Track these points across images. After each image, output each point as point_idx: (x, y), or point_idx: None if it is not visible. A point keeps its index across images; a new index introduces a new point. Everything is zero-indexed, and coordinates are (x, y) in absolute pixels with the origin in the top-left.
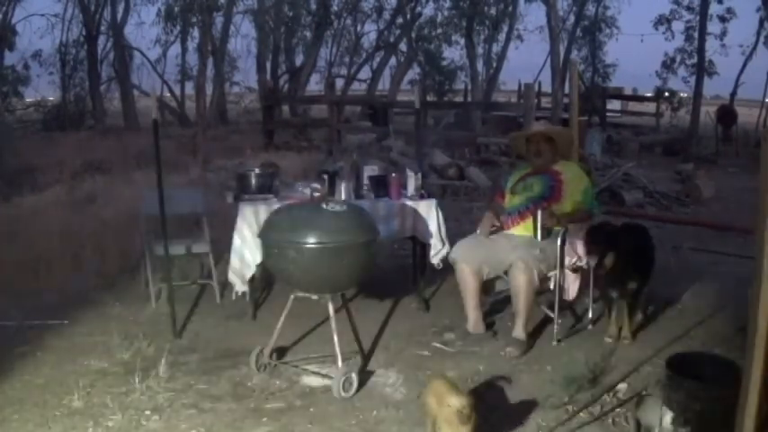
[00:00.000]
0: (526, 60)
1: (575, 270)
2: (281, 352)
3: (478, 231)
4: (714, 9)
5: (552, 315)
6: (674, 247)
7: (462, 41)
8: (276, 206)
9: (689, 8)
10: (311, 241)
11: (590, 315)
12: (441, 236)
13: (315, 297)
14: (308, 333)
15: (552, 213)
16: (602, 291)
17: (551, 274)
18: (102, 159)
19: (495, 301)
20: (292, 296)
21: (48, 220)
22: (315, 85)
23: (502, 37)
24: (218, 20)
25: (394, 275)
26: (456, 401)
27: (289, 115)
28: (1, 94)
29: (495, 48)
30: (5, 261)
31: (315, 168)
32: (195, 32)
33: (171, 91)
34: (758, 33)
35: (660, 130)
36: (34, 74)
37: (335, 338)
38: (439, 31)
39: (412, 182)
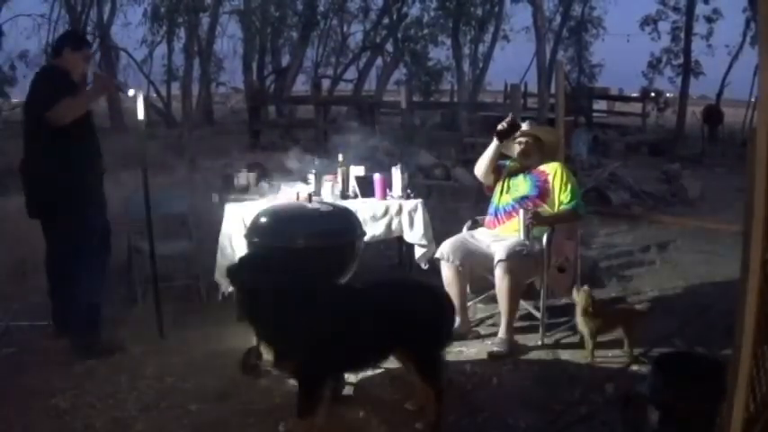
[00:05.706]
0: (512, 61)
1: (561, 270)
2: None
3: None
4: (700, 10)
5: (538, 315)
6: (660, 246)
7: (448, 42)
8: (262, 207)
9: (675, 9)
10: (297, 242)
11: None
12: (427, 236)
13: None
14: None
15: (537, 213)
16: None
17: (537, 274)
18: None
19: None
20: None
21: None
22: (301, 85)
23: (488, 37)
24: (205, 20)
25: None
26: None
27: (275, 116)
28: None
29: (482, 48)
30: None
31: (301, 169)
32: (181, 33)
33: (157, 91)
34: (744, 34)
35: (646, 130)
36: (21, 74)
37: None
38: (425, 31)
39: (398, 182)
